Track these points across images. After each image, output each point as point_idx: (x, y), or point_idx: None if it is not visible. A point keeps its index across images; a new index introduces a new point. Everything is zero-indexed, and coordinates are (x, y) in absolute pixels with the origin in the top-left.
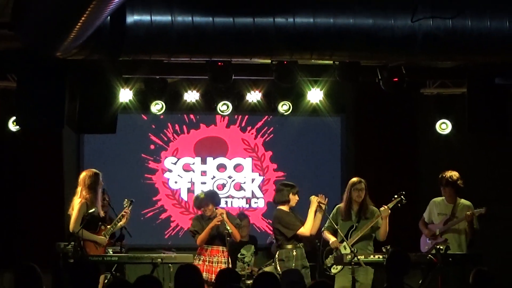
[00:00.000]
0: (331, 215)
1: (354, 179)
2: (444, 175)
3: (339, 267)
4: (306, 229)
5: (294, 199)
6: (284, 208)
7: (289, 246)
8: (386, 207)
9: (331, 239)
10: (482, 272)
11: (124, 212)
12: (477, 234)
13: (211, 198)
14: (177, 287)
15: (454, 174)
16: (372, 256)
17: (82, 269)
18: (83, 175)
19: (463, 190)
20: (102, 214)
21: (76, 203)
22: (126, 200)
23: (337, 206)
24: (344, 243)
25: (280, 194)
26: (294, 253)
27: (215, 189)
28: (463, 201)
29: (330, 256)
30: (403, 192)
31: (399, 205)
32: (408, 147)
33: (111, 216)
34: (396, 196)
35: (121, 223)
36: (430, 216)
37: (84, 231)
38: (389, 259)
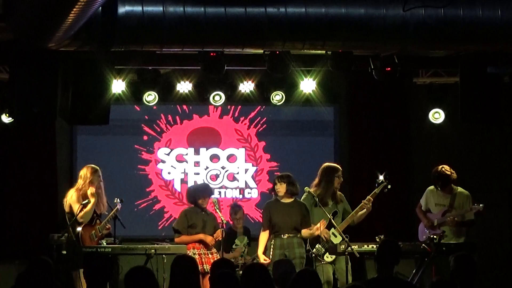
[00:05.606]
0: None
1: (337, 166)
2: (439, 174)
3: (334, 256)
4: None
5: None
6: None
7: (270, 236)
8: (371, 198)
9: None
10: (463, 257)
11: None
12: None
13: (209, 191)
14: (173, 278)
15: (450, 170)
16: (365, 246)
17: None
18: (84, 170)
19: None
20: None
21: (73, 195)
22: (116, 199)
23: (308, 190)
24: (333, 230)
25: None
26: (272, 242)
27: (209, 180)
28: (460, 190)
29: (318, 244)
30: (385, 177)
31: (385, 190)
32: (401, 137)
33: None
34: (379, 182)
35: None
36: (427, 204)
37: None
38: (379, 249)
